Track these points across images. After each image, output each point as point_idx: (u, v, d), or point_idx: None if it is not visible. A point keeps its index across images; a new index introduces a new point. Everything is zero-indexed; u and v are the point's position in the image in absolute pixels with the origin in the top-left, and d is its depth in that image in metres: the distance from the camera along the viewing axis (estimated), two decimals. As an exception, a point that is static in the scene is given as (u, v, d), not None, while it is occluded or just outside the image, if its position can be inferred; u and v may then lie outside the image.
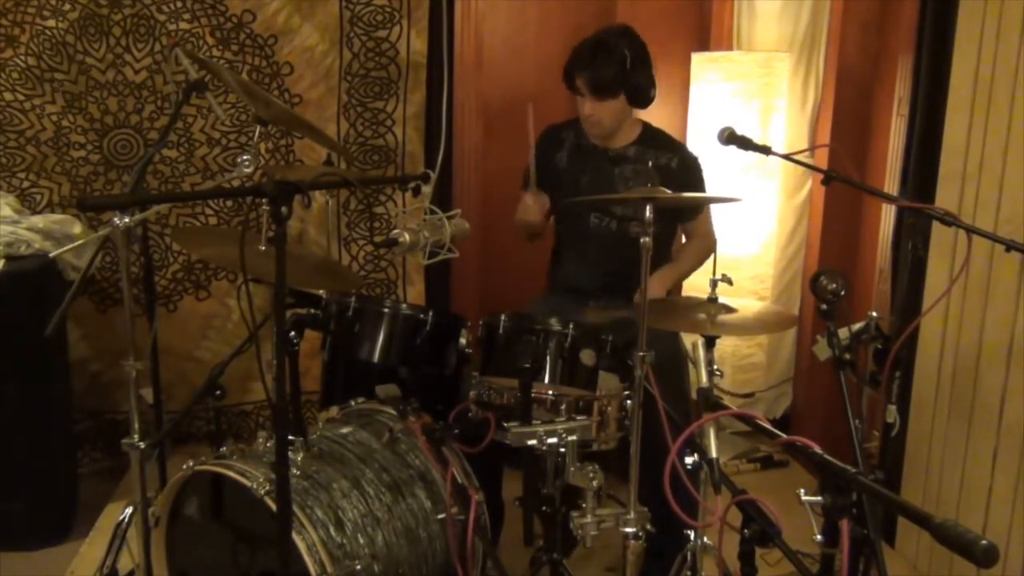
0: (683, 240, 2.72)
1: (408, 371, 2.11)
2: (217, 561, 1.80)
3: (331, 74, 2.96)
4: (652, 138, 2.56)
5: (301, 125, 2.47)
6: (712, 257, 2.45)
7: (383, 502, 1.79)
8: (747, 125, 2.99)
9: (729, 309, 1.97)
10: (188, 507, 1.84)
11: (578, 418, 1.85)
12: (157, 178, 2.92)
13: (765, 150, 2.00)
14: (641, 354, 1.68)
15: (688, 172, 2.52)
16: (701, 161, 2.58)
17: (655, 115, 2.71)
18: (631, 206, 2.43)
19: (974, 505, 2.26)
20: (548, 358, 1.88)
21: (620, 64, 2.36)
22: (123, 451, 1.78)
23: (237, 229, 2.87)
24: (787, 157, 2.06)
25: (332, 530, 1.68)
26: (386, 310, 2.09)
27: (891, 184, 2.68)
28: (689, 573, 1.85)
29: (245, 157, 1.90)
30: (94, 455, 2.96)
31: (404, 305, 2.24)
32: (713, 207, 2.67)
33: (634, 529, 1.70)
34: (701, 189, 2.56)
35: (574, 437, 1.80)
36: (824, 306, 1.80)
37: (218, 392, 2.04)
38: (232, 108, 2.91)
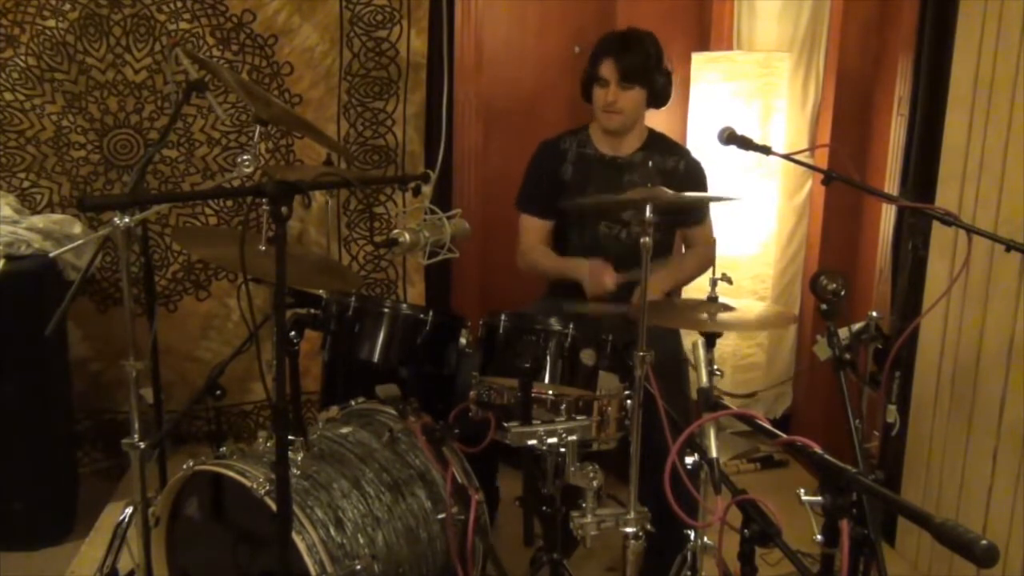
0: (683, 249, 2.72)
1: (408, 371, 2.11)
2: (217, 561, 1.80)
3: (331, 74, 2.96)
4: (657, 143, 2.58)
5: (301, 125, 2.47)
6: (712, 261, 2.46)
7: (383, 502, 1.79)
8: (747, 125, 2.99)
9: (729, 309, 1.97)
10: (188, 507, 1.84)
11: (578, 418, 1.85)
12: (157, 178, 2.92)
13: (765, 150, 2.00)
14: (641, 354, 1.68)
15: (694, 176, 2.57)
16: (704, 167, 2.61)
17: (656, 114, 2.71)
18: (641, 212, 2.44)
19: (974, 505, 2.26)
20: (548, 358, 1.88)
21: (647, 55, 2.44)
22: (123, 451, 1.78)
23: (237, 229, 2.87)
24: (787, 157, 2.06)
25: (332, 530, 1.68)
26: (386, 310, 2.08)
27: (891, 184, 2.68)
28: (689, 573, 1.85)
29: (245, 157, 1.89)
30: (94, 455, 2.96)
31: (404, 305, 2.24)
32: (713, 207, 2.68)
33: (634, 529, 1.70)
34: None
35: (574, 437, 1.79)
36: (824, 306, 1.80)
37: (218, 392, 2.04)
38: (232, 108, 2.91)
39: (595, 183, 2.54)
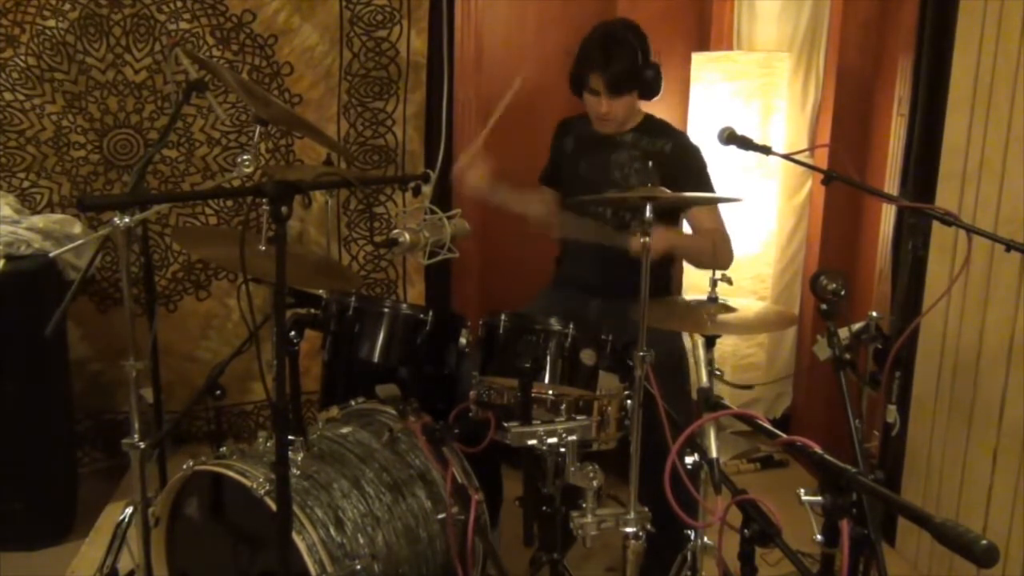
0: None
1: (408, 371, 2.11)
2: (217, 561, 1.80)
3: (331, 74, 2.96)
4: (651, 125, 2.56)
5: (301, 125, 2.47)
6: (728, 252, 2.41)
7: (383, 502, 1.79)
8: (747, 125, 2.99)
9: (729, 309, 1.97)
10: (188, 507, 1.84)
11: (578, 418, 1.85)
12: (157, 178, 2.92)
13: (765, 150, 2.00)
14: (641, 354, 1.68)
15: (682, 157, 2.47)
16: (703, 150, 2.51)
17: (656, 113, 2.71)
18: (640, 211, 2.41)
19: (974, 505, 2.26)
20: (548, 358, 1.88)
21: (633, 58, 2.38)
22: (123, 451, 1.78)
23: (237, 229, 2.87)
24: (787, 157, 2.06)
25: (332, 530, 1.68)
26: (386, 310, 2.09)
27: (891, 184, 2.68)
28: (689, 573, 1.85)
29: (245, 157, 1.90)
30: (94, 455, 2.96)
31: (404, 305, 2.24)
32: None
33: (634, 529, 1.70)
34: (697, 175, 2.48)
35: (574, 437, 1.79)
36: (824, 306, 1.80)
37: (218, 392, 2.04)
38: (232, 108, 2.91)
39: (586, 159, 2.57)
